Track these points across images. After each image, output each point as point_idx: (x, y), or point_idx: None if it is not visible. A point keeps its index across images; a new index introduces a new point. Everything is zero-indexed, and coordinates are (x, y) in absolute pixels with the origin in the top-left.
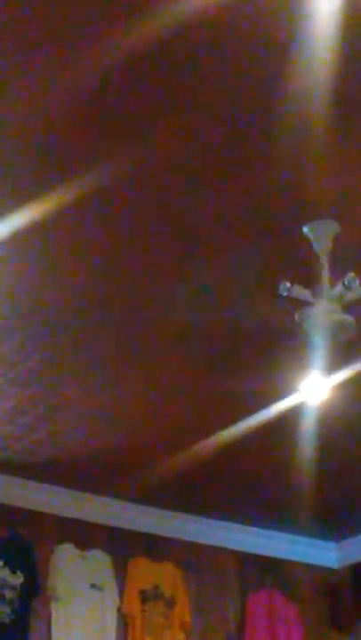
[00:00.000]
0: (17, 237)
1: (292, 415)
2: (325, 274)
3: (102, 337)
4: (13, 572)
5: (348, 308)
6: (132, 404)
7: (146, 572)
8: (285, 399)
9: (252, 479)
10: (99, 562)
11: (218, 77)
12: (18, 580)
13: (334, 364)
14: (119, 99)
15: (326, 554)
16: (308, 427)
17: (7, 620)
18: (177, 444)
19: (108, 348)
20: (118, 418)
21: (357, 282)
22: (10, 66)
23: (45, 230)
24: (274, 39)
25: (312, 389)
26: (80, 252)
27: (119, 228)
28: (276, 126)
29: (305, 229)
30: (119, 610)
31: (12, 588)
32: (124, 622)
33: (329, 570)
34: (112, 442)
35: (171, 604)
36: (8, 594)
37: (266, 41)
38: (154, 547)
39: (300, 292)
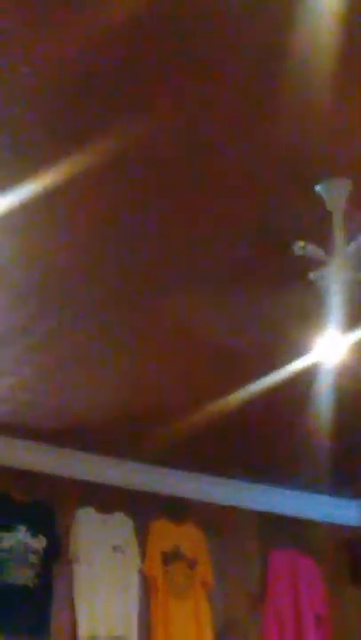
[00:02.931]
0: (30, 205)
1: (309, 374)
2: (339, 232)
3: (117, 300)
4: (35, 537)
5: None
6: (149, 366)
7: (167, 534)
8: (301, 358)
9: (271, 438)
10: (120, 524)
11: (221, 38)
12: (40, 544)
13: (350, 323)
14: (126, 65)
15: (346, 512)
16: (324, 386)
17: (31, 584)
18: (193, 404)
19: (123, 310)
20: (135, 380)
21: None
22: (16, 25)
23: (58, 197)
24: None
25: (328, 348)
26: (94, 219)
27: (133, 195)
28: (283, 83)
29: (317, 188)
30: (141, 571)
31: (35, 552)
32: (146, 584)
33: (349, 527)
34: (130, 404)
35: (192, 564)
36: (31, 558)
37: None
38: (174, 508)
39: (315, 251)
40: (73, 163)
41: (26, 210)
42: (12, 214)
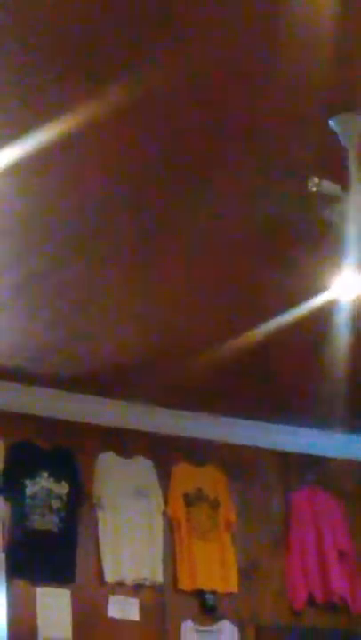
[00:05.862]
0: (42, 152)
1: (325, 312)
2: (354, 168)
3: (133, 243)
4: (58, 482)
5: None
6: (166, 308)
7: (188, 476)
8: (318, 296)
9: (289, 377)
10: (142, 468)
11: None
12: (63, 489)
13: None
14: (129, 15)
15: None
16: (341, 323)
17: (56, 529)
18: (210, 344)
19: (139, 252)
20: (152, 322)
21: None
22: None
23: (70, 144)
24: None
25: (344, 286)
26: (106, 166)
27: (144, 143)
28: (291, 17)
29: (331, 123)
30: (165, 514)
31: (59, 497)
32: (170, 526)
33: None
34: (147, 347)
35: (215, 505)
36: (55, 503)
37: None
38: (195, 451)
39: (329, 186)
40: (91, 106)
41: (38, 157)
42: (24, 162)
